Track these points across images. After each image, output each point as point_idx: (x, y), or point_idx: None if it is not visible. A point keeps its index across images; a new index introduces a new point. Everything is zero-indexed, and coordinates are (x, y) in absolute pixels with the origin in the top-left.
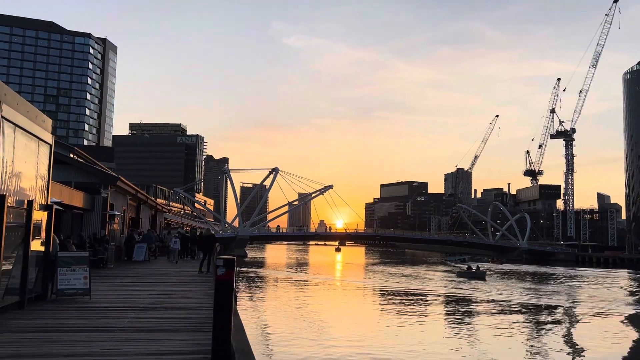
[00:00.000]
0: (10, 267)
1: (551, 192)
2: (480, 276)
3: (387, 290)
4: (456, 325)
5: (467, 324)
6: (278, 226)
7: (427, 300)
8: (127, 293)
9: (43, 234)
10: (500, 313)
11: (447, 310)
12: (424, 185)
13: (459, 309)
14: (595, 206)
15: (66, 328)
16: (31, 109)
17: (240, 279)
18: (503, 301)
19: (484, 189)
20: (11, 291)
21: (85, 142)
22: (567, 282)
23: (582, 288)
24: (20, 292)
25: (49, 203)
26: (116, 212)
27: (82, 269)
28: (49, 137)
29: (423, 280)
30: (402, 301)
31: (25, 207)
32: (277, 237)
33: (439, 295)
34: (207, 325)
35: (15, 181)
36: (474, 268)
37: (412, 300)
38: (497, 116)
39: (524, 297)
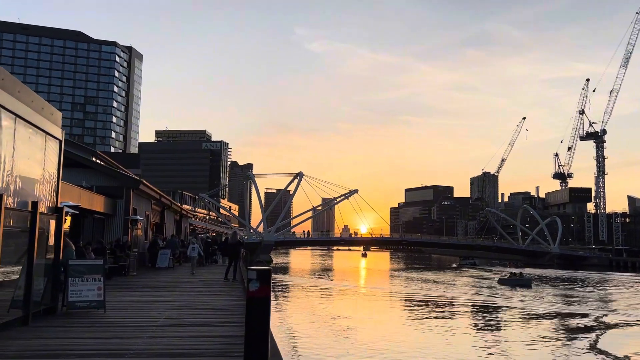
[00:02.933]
0: (17, 277)
1: (582, 195)
2: (525, 284)
3: (427, 301)
4: (496, 339)
5: (509, 339)
6: (306, 231)
7: (474, 313)
8: (146, 305)
9: (52, 240)
10: (559, 328)
11: (491, 324)
12: (450, 189)
13: (508, 322)
14: (627, 209)
15: (72, 351)
16: (36, 98)
17: None
18: (566, 315)
19: (510, 193)
20: (17, 304)
21: (112, 149)
22: (610, 288)
23: (629, 295)
24: (23, 306)
25: (59, 205)
26: (139, 217)
27: (96, 278)
28: (58, 132)
29: (460, 288)
30: (448, 314)
31: (29, 209)
32: (302, 242)
33: (485, 306)
34: (236, 348)
35: (17, 180)
36: (517, 274)
37: (461, 313)
38: (524, 118)
39: (579, 306)
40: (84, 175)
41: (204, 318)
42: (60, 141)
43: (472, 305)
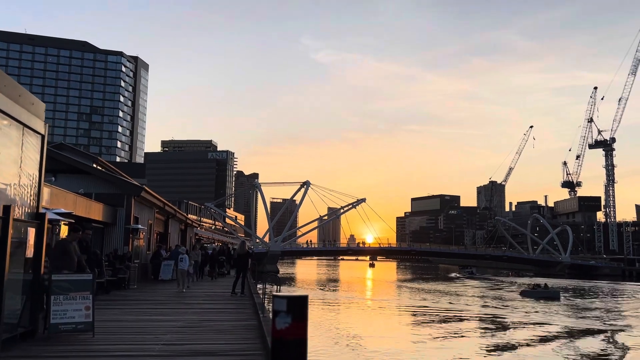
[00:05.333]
0: None
1: (591, 204)
2: (553, 296)
3: (452, 316)
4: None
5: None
6: (312, 241)
7: (503, 332)
8: (143, 325)
9: (30, 251)
10: None
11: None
12: (456, 198)
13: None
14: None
15: None
16: (11, 84)
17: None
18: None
19: (517, 202)
20: None
21: (118, 159)
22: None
23: None
24: None
25: (40, 211)
26: (140, 226)
27: (84, 296)
28: (40, 126)
29: (478, 300)
30: (477, 332)
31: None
32: (309, 252)
33: (518, 325)
34: None
35: None
36: (542, 286)
37: (492, 333)
38: (531, 127)
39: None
40: (83, 182)
41: (208, 343)
42: (43, 136)
43: (508, 324)
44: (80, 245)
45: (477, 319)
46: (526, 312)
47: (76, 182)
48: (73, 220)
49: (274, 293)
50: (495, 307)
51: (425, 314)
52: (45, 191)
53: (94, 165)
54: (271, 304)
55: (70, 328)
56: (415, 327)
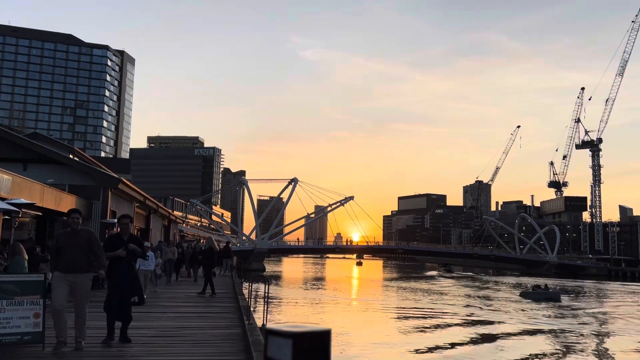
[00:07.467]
0: None
1: (577, 204)
2: (553, 297)
3: (454, 320)
4: None
5: None
6: (297, 239)
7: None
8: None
9: None
10: None
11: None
12: (443, 197)
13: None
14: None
15: None
16: None
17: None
18: None
19: (503, 202)
20: None
21: (103, 154)
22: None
23: None
24: None
25: None
26: (116, 220)
27: (33, 301)
28: None
29: (469, 301)
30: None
31: None
32: (296, 250)
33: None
34: None
35: None
36: (542, 287)
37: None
38: (518, 127)
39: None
40: (56, 173)
41: (184, 358)
42: None
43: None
44: (117, 239)
45: (499, 327)
46: (532, 315)
47: (48, 173)
48: (41, 214)
49: (268, 327)
50: (508, 312)
51: (421, 317)
52: (5, 179)
53: (70, 156)
54: (264, 344)
55: (15, 340)
56: (406, 330)
